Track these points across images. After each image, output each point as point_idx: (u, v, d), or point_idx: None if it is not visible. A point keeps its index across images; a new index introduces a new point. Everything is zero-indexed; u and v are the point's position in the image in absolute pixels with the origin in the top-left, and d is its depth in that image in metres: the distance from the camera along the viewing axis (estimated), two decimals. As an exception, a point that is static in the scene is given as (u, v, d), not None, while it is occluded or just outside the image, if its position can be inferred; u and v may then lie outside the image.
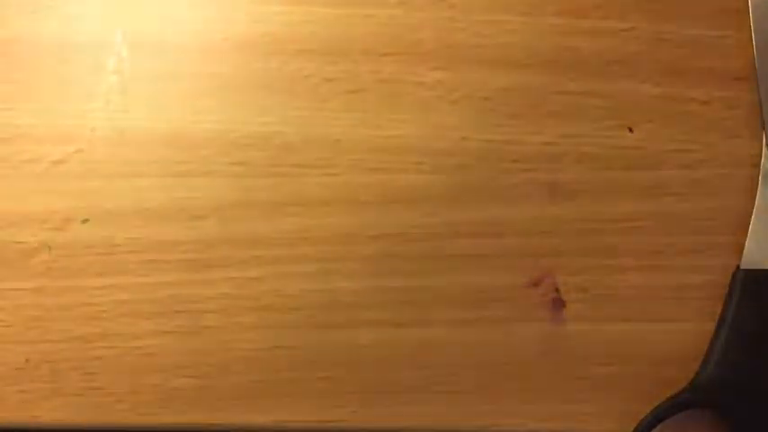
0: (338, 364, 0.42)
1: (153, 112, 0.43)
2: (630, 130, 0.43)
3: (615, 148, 0.43)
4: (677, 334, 0.42)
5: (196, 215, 0.42)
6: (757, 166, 0.43)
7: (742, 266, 0.41)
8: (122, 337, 0.42)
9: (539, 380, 0.42)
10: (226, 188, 0.43)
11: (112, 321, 0.42)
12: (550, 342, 0.42)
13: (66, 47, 0.44)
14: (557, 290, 0.42)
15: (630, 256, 0.42)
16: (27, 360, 0.42)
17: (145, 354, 0.42)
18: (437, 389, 0.42)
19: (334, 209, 0.42)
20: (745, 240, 0.42)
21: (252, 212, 0.42)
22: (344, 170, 0.43)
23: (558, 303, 0.42)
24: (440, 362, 0.42)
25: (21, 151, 0.43)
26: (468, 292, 0.42)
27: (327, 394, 0.42)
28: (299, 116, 0.43)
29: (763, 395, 0.40)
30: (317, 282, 0.42)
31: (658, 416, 0.40)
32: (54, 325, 0.42)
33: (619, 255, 0.42)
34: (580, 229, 0.42)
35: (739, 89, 0.43)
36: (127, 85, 0.44)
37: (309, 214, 0.42)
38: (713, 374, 0.40)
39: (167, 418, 0.41)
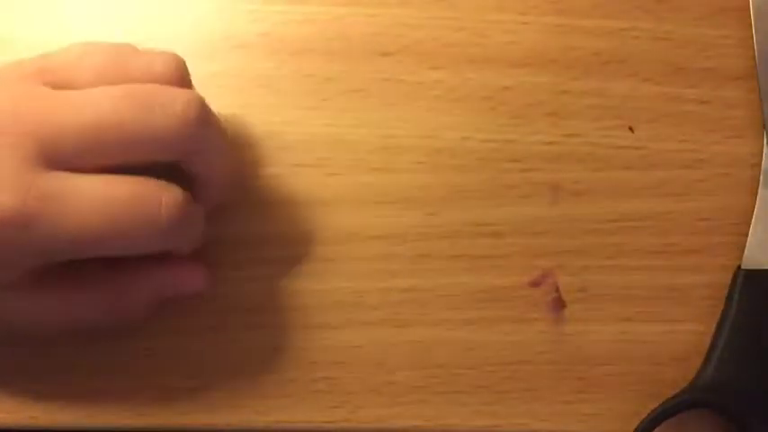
0: (337, 364, 0.42)
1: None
2: (631, 129, 0.43)
3: (615, 148, 0.43)
4: (677, 334, 0.42)
5: (196, 215, 0.42)
6: (757, 166, 0.43)
7: (743, 266, 0.42)
8: (123, 336, 0.42)
9: (539, 380, 0.42)
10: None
11: (112, 321, 0.42)
12: (550, 342, 0.42)
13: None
14: (557, 290, 0.42)
15: (630, 256, 0.42)
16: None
17: (145, 354, 0.42)
18: (437, 389, 0.42)
19: (334, 209, 0.42)
20: (745, 240, 0.42)
21: (252, 212, 0.42)
22: (344, 170, 0.43)
23: (559, 303, 0.42)
24: (440, 362, 0.42)
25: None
26: (468, 292, 0.42)
27: (327, 394, 0.42)
28: (299, 116, 0.43)
29: (763, 395, 0.40)
30: (316, 282, 0.42)
31: (659, 416, 0.40)
32: (54, 325, 0.42)
33: (619, 255, 0.42)
34: (580, 229, 0.42)
35: (739, 89, 0.43)
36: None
37: (309, 214, 0.42)
38: (714, 375, 0.40)
39: (167, 419, 0.41)
